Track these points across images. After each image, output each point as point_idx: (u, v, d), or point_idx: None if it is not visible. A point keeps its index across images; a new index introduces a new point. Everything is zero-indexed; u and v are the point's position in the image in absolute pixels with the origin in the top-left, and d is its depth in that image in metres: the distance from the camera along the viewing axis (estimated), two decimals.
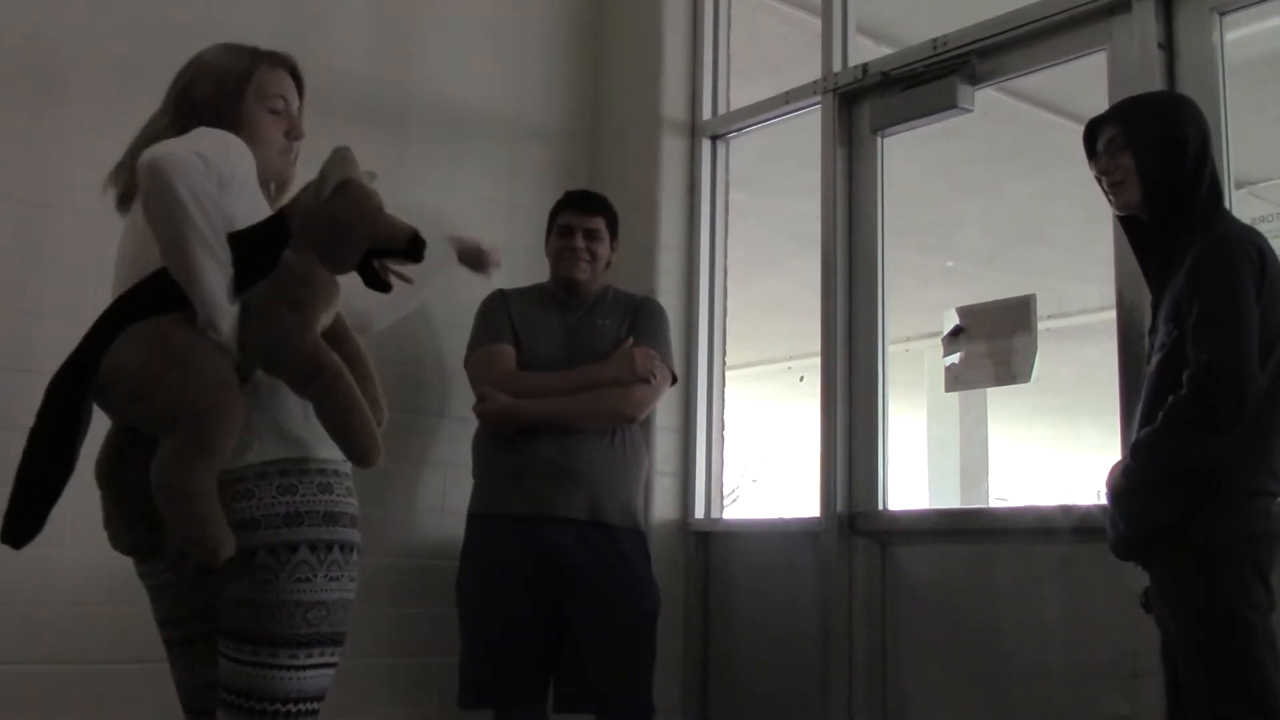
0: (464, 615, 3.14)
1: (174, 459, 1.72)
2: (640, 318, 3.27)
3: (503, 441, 3.14)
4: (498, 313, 3.28)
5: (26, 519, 1.76)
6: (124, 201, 2.03)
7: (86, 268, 3.15)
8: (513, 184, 3.94)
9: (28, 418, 1.94)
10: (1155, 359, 2.27)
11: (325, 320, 1.87)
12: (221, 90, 2.00)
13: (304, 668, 1.78)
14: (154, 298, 1.79)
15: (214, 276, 1.74)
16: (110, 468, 1.88)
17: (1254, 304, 2.14)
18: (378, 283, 1.89)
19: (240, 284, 1.78)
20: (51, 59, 3.12)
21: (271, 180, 2.07)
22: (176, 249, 1.73)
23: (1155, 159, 2.33)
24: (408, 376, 3.61)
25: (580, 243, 3.26)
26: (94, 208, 3.13)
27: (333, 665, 1.83)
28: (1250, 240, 2.23)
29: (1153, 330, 2.34)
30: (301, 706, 1.79)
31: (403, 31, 3.79)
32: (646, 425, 3.30)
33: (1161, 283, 2.33)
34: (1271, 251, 2.23)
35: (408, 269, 1.98)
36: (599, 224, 3.30)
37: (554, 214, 3.37)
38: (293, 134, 2.07)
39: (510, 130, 3.98)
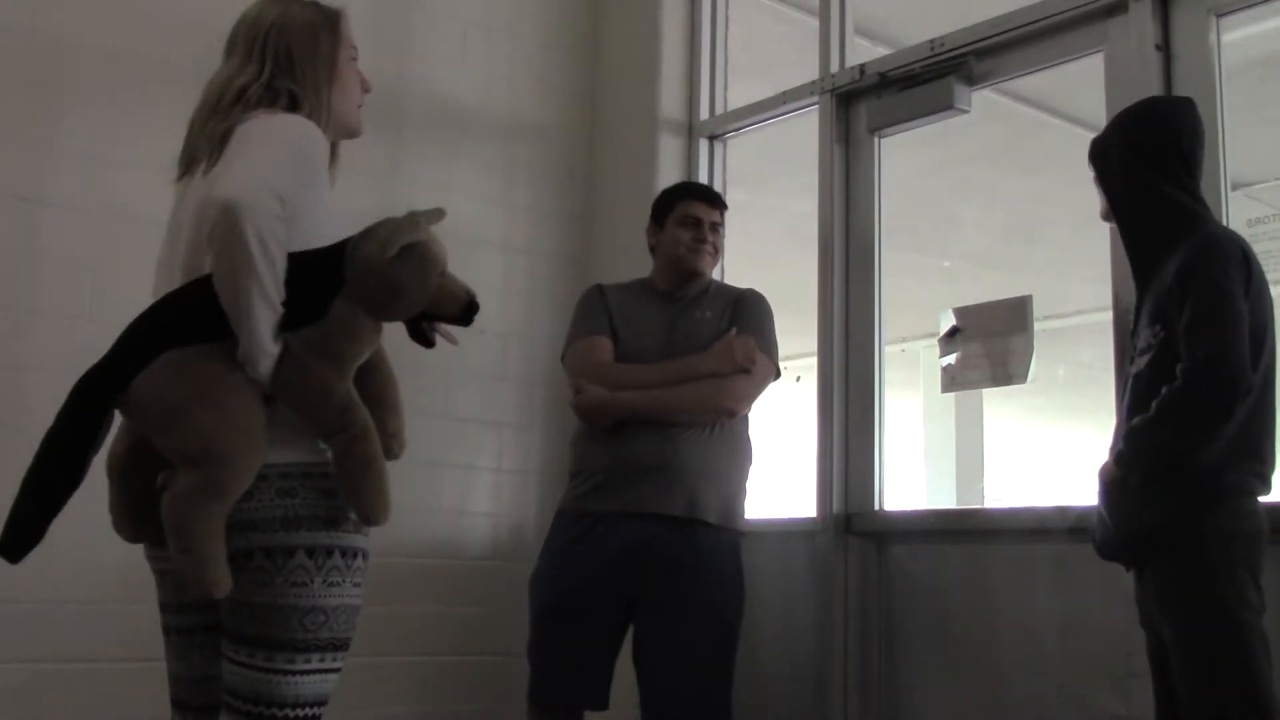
0: (532, 612, 3.04)
1: (186, 498, 1.71)
2: (742, 308, 3.13)
3: (599, 436, 3.04)
4: (595, 305, 3.20)
5: (29, 531, 1.72)
6: (188, 169, 1.96)
7: (82, 264, 3.16)
8: (509, 183, 3.94)
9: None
10: (1143, 360, 2.28)
11: (363, 358, 1.86)
12: (317, 42, 1.96)
13: (303, 673, 1.76)
14: (198, 320, 1.75)
15: (263, 320, 1.72)
16: (123, 461, 1.85)
17: (1244, 304, 2.16)
18: (423, 339, 1.91)
19: (287, 324, 1.76)
20: (49, 55, 3.12)
21: (345, 135, 2.05)
22: (232, 290, 1.71)
23: (1110, 170, 2.38)
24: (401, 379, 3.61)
25: (709, 235, 3.18)
26: (90, 203, 3.16)
27: (335, 670, 1.80)
28: (1236, 242, 2.25)
29: (1134, 333, 2.36)
30: (301, 712, 1.77)
31: (399, 30, 3.79)
32: (746, 419, 3.13)
33: (1143, 285, 2.34)
34: (1254, 254, 2.26)
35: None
36: (720, 217, 3.23)
37: (669, 204, 3.24)
38: (365, 86, 2.07)
39: (506, 129, 3.98)
